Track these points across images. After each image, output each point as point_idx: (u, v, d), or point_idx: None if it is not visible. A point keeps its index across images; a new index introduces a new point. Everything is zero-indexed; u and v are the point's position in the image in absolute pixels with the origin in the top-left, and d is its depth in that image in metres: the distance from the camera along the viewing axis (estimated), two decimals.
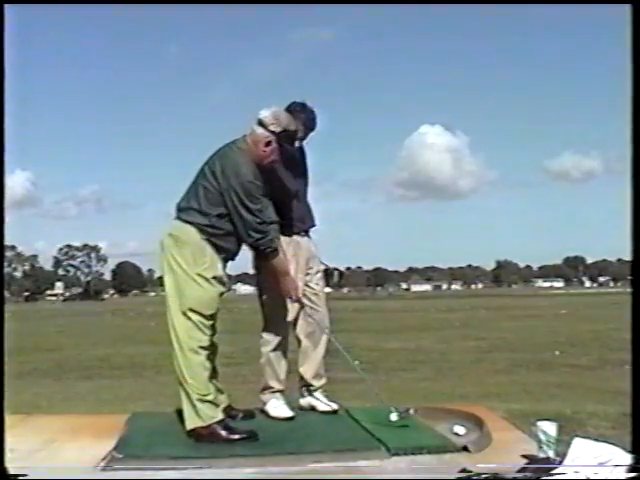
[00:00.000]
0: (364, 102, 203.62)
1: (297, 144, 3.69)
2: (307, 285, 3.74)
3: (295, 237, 3.74)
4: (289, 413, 3.64)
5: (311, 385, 3.84)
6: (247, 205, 3.24)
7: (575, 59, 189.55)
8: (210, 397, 3.24)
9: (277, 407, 3.67)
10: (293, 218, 3.74)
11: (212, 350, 3.35)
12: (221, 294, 3.33)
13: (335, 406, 3.79)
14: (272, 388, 3.71)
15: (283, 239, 3.63)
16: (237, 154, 3.32)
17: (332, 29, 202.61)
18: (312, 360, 3.80)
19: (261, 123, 3.34)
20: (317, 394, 3.83)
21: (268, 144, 3.32)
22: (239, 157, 3.30)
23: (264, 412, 3.70)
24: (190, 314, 3.22)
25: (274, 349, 3.68)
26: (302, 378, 3.84)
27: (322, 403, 3.81)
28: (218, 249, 3.30)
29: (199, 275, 3.23)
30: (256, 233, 3.28)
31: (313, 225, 3.87)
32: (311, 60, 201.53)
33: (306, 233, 3.82)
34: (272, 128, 3.31)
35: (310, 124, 3.71)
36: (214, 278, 3.26)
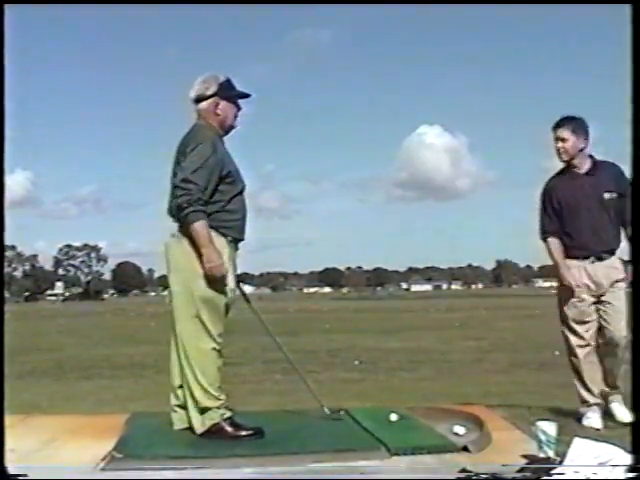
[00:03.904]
0: (363, 103, 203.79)
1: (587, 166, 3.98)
2: (601, 302, 3.95)
3: (581, 262, 3.97)
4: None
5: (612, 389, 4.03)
6: (185, 162, 3.16)
7: (574, 59, 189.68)
8: (222, 396, 3.25)
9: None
10: (577, 241, 3.99)
11: (220, 350, 3.32)
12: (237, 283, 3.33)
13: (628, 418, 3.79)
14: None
15: (572, 263, 3.97)
16: (193, 134, 3.31)
17: (331, 30, 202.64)
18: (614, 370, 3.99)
19: (198, 99, 3.36)
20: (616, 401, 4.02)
21: (217, 106, 3.35)
22: (195, 135, 3.29)
23: (262, 412, 3.71)
24: (202, 312, 3.20)
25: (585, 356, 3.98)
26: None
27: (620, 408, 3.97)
28: (224, 235, 3.25)
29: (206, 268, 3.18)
30: (178, 189, 3.14)
31: (597, 251, 3.99)
32: (310, 61, 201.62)
33: (597, 259, 3.97)
34: (209, 92, 3.35)
35: (588, 130, 3.99)
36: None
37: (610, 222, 3.95)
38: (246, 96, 3.47)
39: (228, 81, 3.41)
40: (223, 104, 3.36)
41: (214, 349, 3.25)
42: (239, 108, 3.44)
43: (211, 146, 3.23)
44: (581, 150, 3.97)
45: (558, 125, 4.01)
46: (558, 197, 4.03)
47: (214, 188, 3.21)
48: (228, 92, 3.38)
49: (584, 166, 4.00)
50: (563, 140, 3.96)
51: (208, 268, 3.13)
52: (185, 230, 3.20)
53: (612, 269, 3.96)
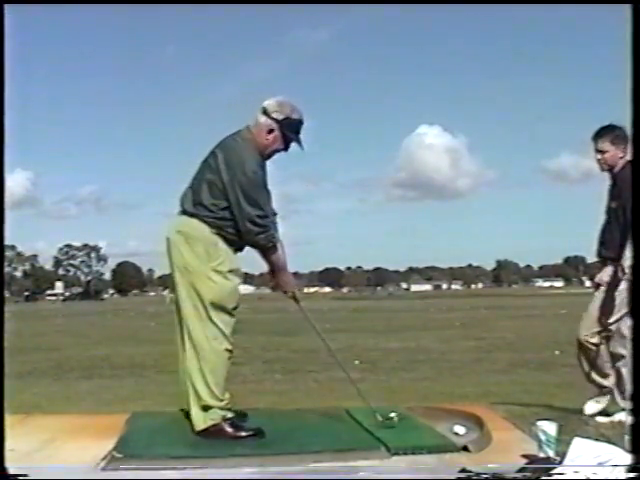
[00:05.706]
0: (363, 102, 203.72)
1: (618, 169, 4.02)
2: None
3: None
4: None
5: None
6: (250, 196, 3.19)
7: (573, 59, 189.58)
8: (225, 397, 3.26)
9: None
10: (600, 241, 4.13)
11: (231, 351, 3.31)
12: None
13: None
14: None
15: None
16: (241, 145, 3.28)
17: (330, 30, 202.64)
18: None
19: (265, 111, 3.31)
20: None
21: (270, 132, 3.29)
22: (243, 148, 3.26)
23: (261, 412, 3.71)
24: (212, 314, 3.19)
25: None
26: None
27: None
28: (230, 242, 3.26)
29: (214, 271, 3.18)
30: (255, 227, 3.22)
31: (600, 256, 4.16)
32: (309, 61, 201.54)
33: (600, 263, 4.13)
34: (275, 116, 3.29)
35: (627, 138, 3.88)
36: (230, 272, 3.24)
37: (610, 231, 4.05)
38: (298, 144, 3.36)
39: (298, 121, 3.33)
40: (276, 135, 3.29)
41: (227, 350, 3.25)
42: (285, 149, 3.37)
43: (265, 171, 3.31)
44: (621, 158, 4.01)
45: (597, 136, 4.05)
46: None
47: None
48: (288, 129, 3.30)
49: (617, 173, 4.06)
50: (603, 152, 4.02)
51: (283, 287, 3.48)
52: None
53: (605, 275, 4.10)
